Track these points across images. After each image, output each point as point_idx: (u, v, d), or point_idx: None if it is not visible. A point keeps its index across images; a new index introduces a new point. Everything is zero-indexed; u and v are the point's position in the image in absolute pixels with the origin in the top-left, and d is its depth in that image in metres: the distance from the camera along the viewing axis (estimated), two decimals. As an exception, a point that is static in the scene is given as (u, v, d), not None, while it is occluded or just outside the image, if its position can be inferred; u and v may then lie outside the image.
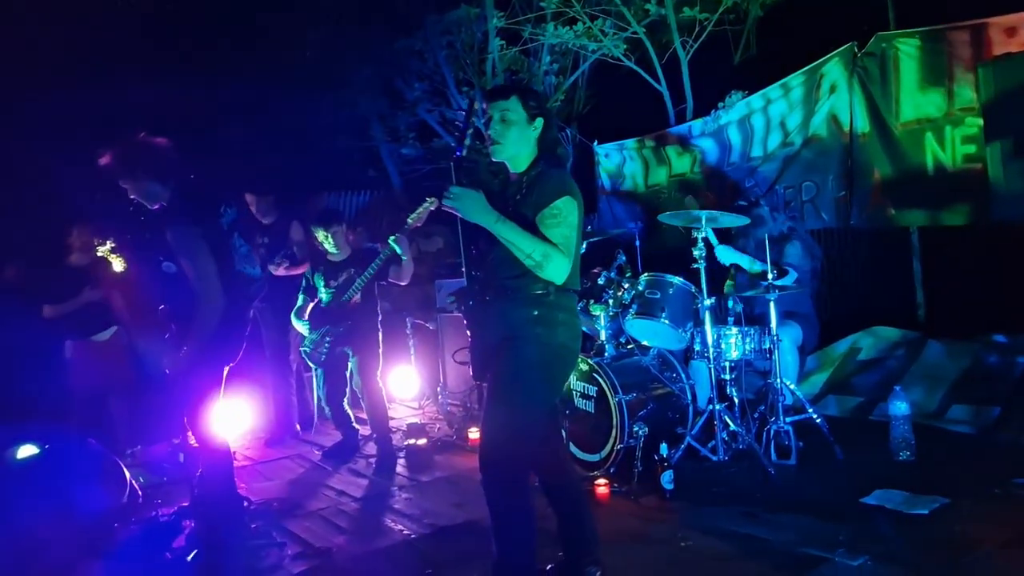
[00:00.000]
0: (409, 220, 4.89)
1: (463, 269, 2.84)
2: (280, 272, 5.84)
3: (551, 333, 2.68)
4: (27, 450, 4.60)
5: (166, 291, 3.69)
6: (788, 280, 4.77)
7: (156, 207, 3.68)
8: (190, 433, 3.74)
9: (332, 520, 4.26)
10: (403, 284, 5.27)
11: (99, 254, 6.04)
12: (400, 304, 7.23)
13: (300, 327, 5.41)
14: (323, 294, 5.30)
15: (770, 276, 4.46)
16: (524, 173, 2.80)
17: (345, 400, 5.44)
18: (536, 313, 2.67)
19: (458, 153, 2.75)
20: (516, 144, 2.77)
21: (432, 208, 4.78)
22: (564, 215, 2.65)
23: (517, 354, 2.67)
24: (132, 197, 3.70)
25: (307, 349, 5.38)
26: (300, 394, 6.42)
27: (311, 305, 5.37)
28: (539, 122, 2.78)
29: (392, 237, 4.94)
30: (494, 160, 2.84)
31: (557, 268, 2.62)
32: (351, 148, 11.51)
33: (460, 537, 3.81)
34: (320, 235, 5.26)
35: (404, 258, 5.02)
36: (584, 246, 5.13)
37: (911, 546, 3.21)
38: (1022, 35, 4.76)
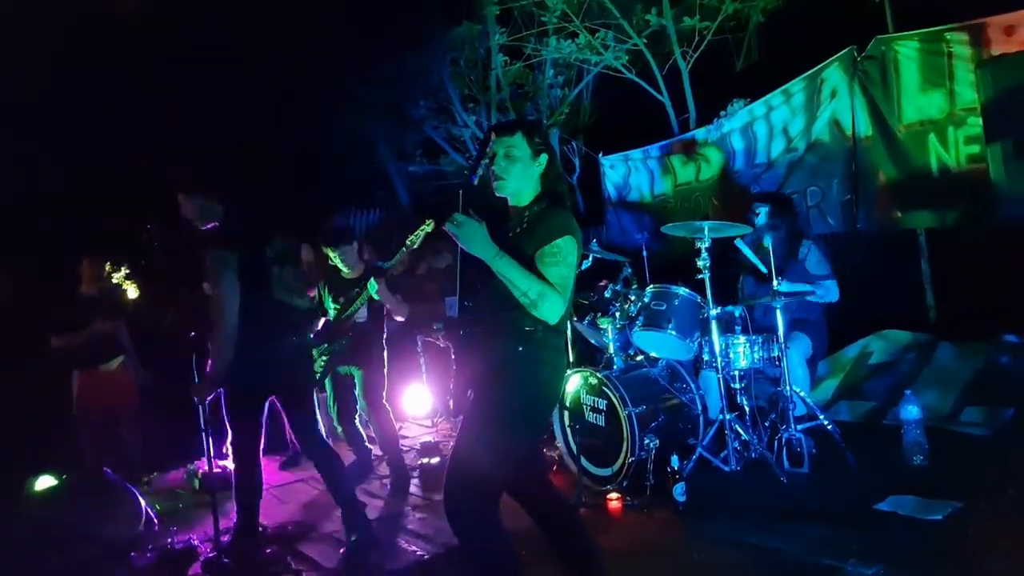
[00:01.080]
0: (408, 242, 4.90)
1: (457, 297, 2.83)
2: None
3: (534, 371, 2.66)
4: (45, 481, 4.66)
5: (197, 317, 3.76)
6: (832, 292, 4.78)
7: (207, 227, 3.75)
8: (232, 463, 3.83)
9: (344, 541, 4.26)
10: (399, 320, 5.26)
11: (114, 281, 6.09)
12: (410, 322, 7.25)
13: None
14: (330, 310, 5.31)
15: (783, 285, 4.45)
16: (526, 208, 2.79)
17: (356, 419, 5.44)
18: (521, 349, 2.64)
19: (472, 180, 2.75)
20: (519, 180, 2.77)
21: (429, 230, 4.78)
22: (564, 255, 2.63)
23: (498, 389, 2.65)
24: (184, 215, 3.79)
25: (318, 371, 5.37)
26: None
27: (322, 321, 5.38)
28: (543, 158, 2.79)
29: (371, 279, 4.93)
30: (497, 195, 2.82)
31: (552, 308, 2.59)
32: (359, 167, 11.59)
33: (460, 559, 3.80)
34: (331, 254, 5.28)
35: (376, 298, 5.00)
36: (590, 259, 5.17)
37: (925, 553, 3.18)
38: (1020, 34, 4.76)
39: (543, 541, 2.84)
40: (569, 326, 5.31)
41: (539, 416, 2.75)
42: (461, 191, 2.70)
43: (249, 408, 3.80)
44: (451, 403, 6.77)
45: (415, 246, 4.87)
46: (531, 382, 2.66)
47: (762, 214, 4.93)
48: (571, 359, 5.26)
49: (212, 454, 4.18)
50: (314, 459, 4.21)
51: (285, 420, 6.19)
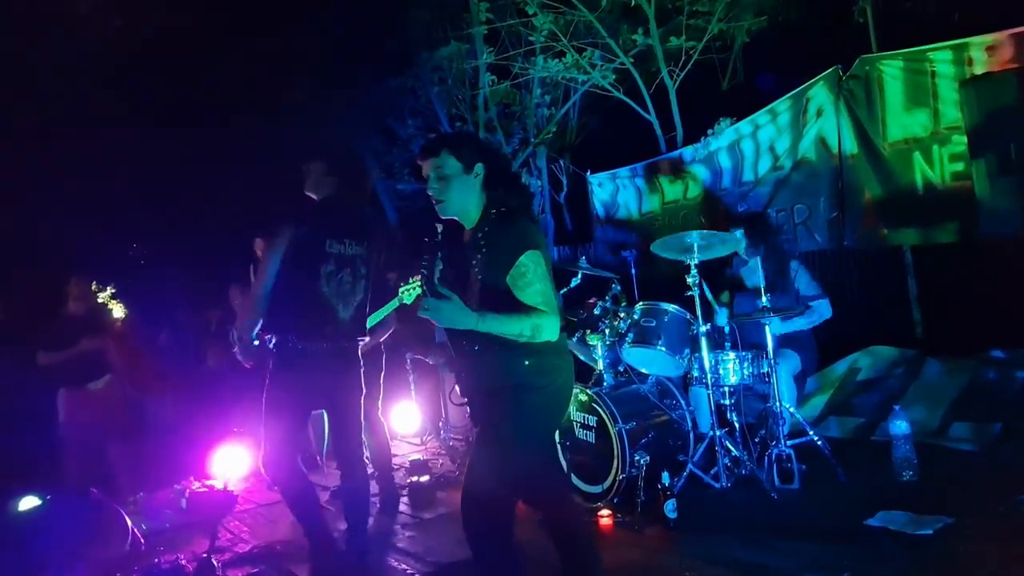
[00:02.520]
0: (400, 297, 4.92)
1: None
2: None
3: (548, 380, 2.63)
4: (29, 502, 4.60)
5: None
6: (826, 311, 4.82)
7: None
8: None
9: (336, 561, 4.22)
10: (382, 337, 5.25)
11: (99, 300, 6.05)
12: (399, 340, 7.23)
13: None
14: None
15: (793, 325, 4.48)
16: (476, 229, 2.71)
17: None
18: (528, 363, 2.59)
19: (438, 239, 2.63)
20: (460, 198, 2.69)
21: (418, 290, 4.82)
22: (531, 270, 2.55)
23: (515, 403, 2.61)
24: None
25: None
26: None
27: None
28: (479, 168, 2.68)
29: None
30: (443, 218, 2.72)
31: (549, 330, 2.57)
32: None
33: (463, 574, 3.78)
34: None
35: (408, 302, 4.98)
36: (579, 277, 5.18)
37: (916, 568, 3.19)
38: (1002, 54, 4.84)
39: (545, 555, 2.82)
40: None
41: (550, 428, 2.75)
42: (425, 256, 2.58)
43: (282, 406, 3.62)
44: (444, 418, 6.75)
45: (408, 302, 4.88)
46: (545, 390, 2.63)
47: (739, 236, 4.97)
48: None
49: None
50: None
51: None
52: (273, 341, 3.62)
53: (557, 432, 2.80)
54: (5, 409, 5.83)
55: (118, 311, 6.90)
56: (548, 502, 2.85)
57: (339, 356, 3.74)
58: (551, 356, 2.64)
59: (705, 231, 4.51)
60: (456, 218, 2.75)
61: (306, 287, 3.61)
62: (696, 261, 4.51)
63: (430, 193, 2.70)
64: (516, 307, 2.56)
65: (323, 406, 3.89)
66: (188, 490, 5.60)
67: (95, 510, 4.51)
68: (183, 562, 4.35)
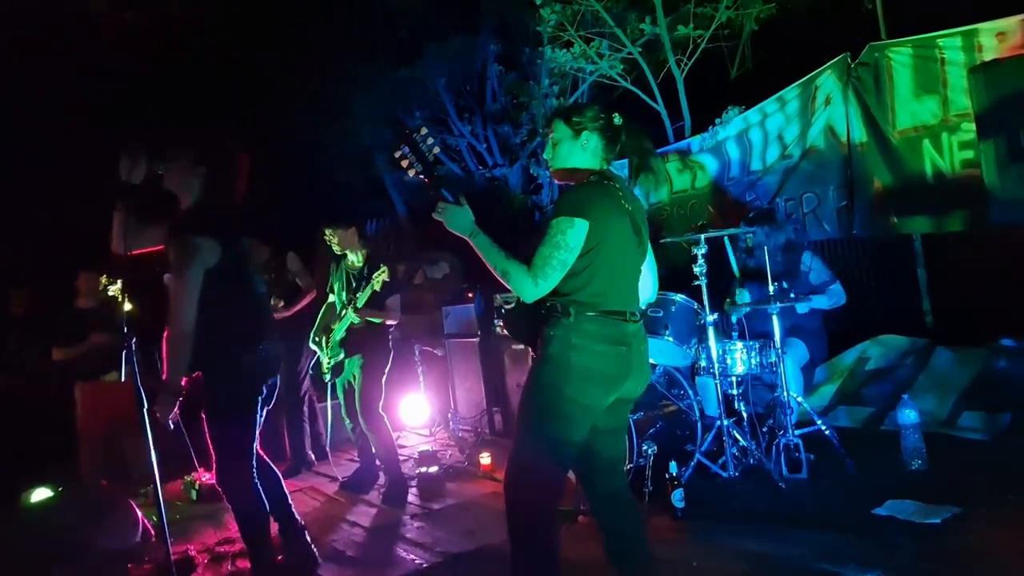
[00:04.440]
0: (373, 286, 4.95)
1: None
2: (278, 315, 5.80)
3: (564, 355, 2.58)
4: (41, 493, 4.64)
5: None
6: (842, 296, 4.81)
7: (184, 207, 3.42)
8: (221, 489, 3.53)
9: (345, 552, 4.26)
10: (391, 324, 5.26)
11: (110, 294, 6.11)
12: (408, 331, 7.26)
13: (317, 349, 5.40)
14: (336, 299, 5.28)
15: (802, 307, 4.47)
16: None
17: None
18: (553, 333, 2.60)
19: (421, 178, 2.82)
20: (564, 161, 2.79)
21: (386, 278, 4.88)
22: (552, 234, 2.57)
23: (536, 375, 2.64)
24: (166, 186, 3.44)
25: (326, 372, 5.31)
26: (313, 426, 6.43)
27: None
28: (585, 136, 2.75)
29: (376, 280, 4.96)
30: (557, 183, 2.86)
31: (517, 286, 2.58)
32: (355, 178, 11.61)
33: (473, 565, 3.80)
34: (328, 235, 5.27)
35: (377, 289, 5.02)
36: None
37: (924, 557, 3.18)
38: (1012, 39, 4.79)
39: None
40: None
41: (576, 405, 2.59)
42: (431, 184, 2.77)
43: (235, 418, 3.43)
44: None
45: (377, 289, 4.94)
46: (562, 367, 2.58)
47: (759, 233, 4.95)
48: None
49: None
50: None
51: (284, 427, 6.23)
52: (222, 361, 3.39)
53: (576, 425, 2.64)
54: (22, 402, 5.90)
55: (127, 305, 6.89)
56: (527, 485, 2.71)
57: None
58: (573, 332, 2.59)
59: (714, 232, 4.54)
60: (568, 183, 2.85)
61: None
62: (703, 251, 4.50)
63: (544, 157, 2.85)
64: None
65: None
66: (198, 482, 5.63)
67: (106, 502, 4.55)
68: (193, 553, 4.38)
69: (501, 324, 6.05)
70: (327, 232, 5.24)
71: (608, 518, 2.82)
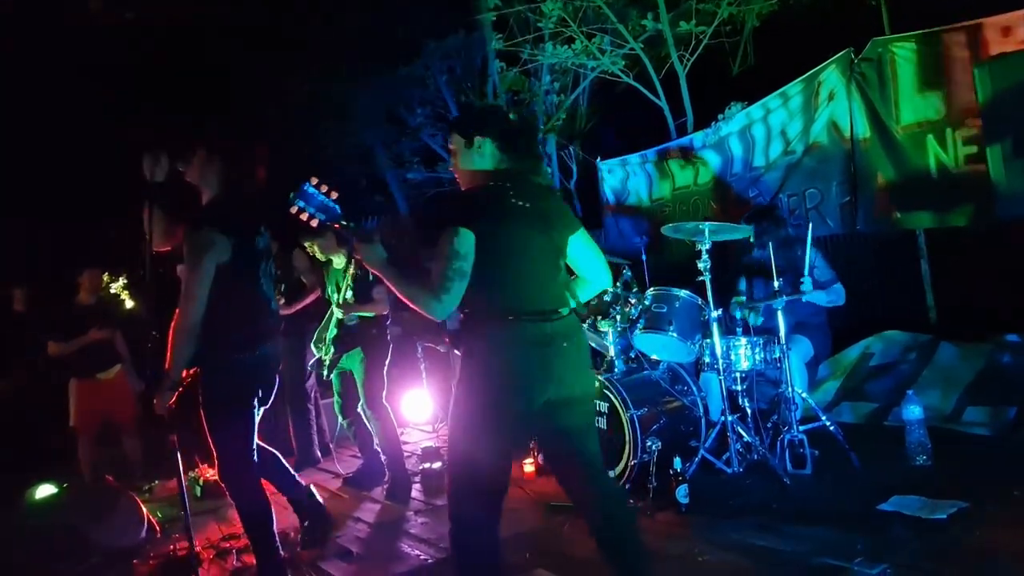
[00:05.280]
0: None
1: None
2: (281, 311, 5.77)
3: (480, 364, 2.58)
4: (45, 489, 4.64)
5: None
6: (841, 296, 4.80)
7: (205, 201, 3.48)
8: (224, 486, 3.55)
9: (349, 547, 4.26)
10: (383, 313, 5.24)
11: (112, 291, 6.11)
12: (410, 328, 7.26)
13: (317, 352, 5.40)
14: (333, 298, 5.27)
15: (807, 283, 4.45)
16: None
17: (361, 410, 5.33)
18: (466, 344, 2.64)
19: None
20: (461, 169, 2.79)
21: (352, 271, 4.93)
22: (439, 249, 2.53)
23: (458, 387, 2.64)
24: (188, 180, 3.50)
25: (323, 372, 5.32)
26: (317, 422, 6.44)
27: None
28: (478, 141, 2.72)
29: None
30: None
31: (425, 305, 2.53)
32: (357, 176, 11.60)
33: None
34: (307, 246, 5.29)
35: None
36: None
37: (930, 553, 3.17)
38: (1017, 34, 4.78)
39: (548, 543, 2.80)
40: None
41: (497, 413, 2.55)
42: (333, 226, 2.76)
43: (229, 416, 3.46)
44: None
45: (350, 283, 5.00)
46: (479, 378, 2.58)
47: (757, 230, 4.95)
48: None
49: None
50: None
51: (290, 423, 6.24)
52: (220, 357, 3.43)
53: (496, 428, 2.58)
54: (19, 399, 5.90)
55: (129, 302, 6.91)
56: (568, 486, 2.80)
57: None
58: (478, 339, 2.60)
59: (716, 223, 4.51)
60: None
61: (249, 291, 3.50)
62: (707, 246, 4.49)
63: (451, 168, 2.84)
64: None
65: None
66: (203, 478, 5.64)
67: (110, 498, 4.55)
68: (198, 549, 4.38)
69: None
70: (306, 243, 5.27)
71: (601, 527, 2.75)
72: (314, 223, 2.68)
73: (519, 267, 2.62)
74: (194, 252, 3.27)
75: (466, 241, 2.51)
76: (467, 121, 2.80)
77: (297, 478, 4.04)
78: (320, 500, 4.17)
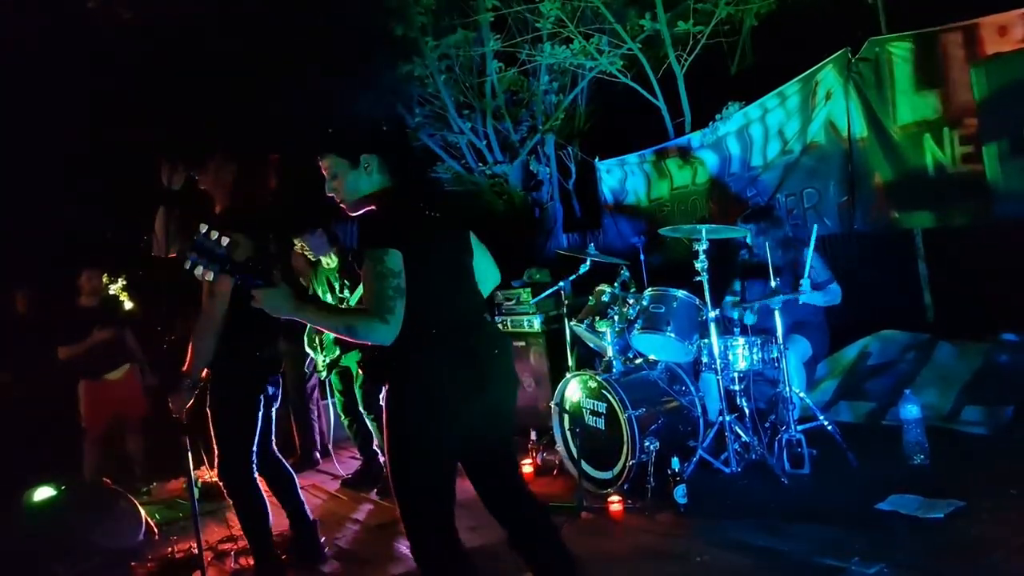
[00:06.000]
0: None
1: None
2: None
3: (411, 390, 2.46)
4: (44, 491, 4.64)
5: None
6: (838, 296, 4.79)
7: (219, 208, 3.55)
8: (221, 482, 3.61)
9: (348, 549, 4.27)
10: None
11: (111, 292, 6.12)
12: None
13: (312, 353, 5.40)
14: (326, 299, 5.26)
15: (806, 283, 4.45)
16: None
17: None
18: (395, 367, 2.47)
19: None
20: (353, 193, 2.61)
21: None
22: (372, 267, 2.38)
23: (386, 419, 2.50)
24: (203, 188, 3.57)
25: (322, 371, 5.33)
26: (318, 423, 6.45)
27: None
28: (365, 158, 2.58)
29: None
30: (352, 216, 2.65)
31: (369, 334, 2.36)
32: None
33: (474, 561, 3.79)
34: (297, 246, 5.27)
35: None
36: (588, 263, 5.19)
37: (927, 552, 3.18)
38: (1014, 34, 4.78)
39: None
40: (569, 330, 5.32)
41: (426, 439, 2.46)
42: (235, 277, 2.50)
43: (235, 415, 3.54)
44: None
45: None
46: (409, 404, 2.46)
47: (751, 233, 4.95)
48: (571, 363, 5.26)
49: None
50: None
51: (293, 422, 6.26)
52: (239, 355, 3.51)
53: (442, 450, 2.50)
54: (26, 401, 5.91)
55: (128, 303, 6.92)
56: (494, 507, 2.73)
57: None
58: (403, 380, 2.47)
59: (712, 226, 4.52)
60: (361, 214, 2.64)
61: None
62: (705, 246, 4.50)
63: (331, 195, 2.65)
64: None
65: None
66: (200, 480, 5.64)
67: (109, 500, 4.56)
68: (196, 551, 4.38)
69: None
70: (296, 243, 5.25)
71: (528, 550, 2.70)
72: (208, 277, 2.42)
73: (445, 281, 2.55)
74: None
75: (396, 258, 2.37)
76: (351, 139, 2.63)
77: (305, 508, 3.97)
78: (320, 538, 4.04)
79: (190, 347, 3.33)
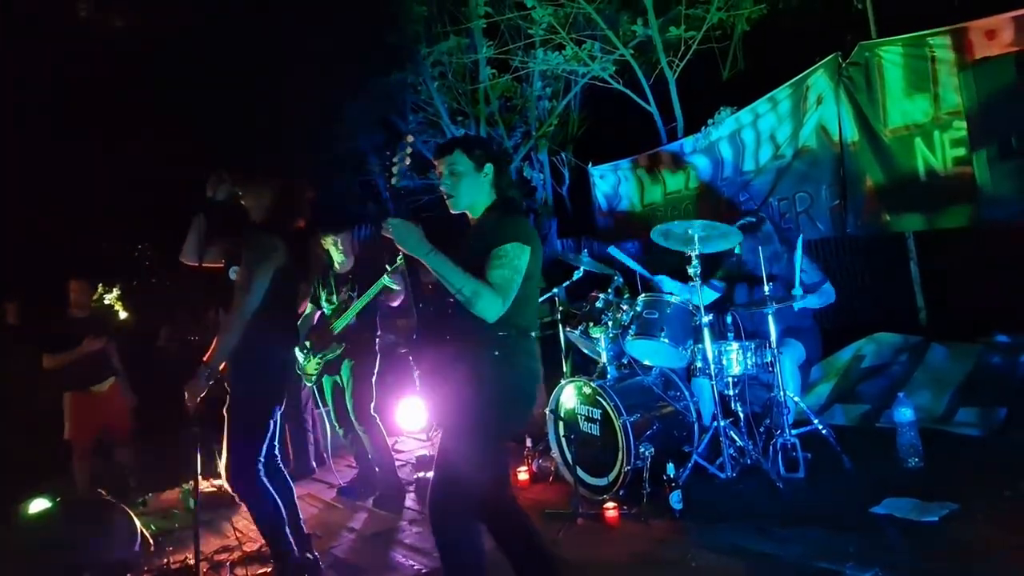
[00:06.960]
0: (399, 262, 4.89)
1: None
2: None
3: (509, 375, 2.73)
4: (39, 504, 4.63)
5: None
6: (831, 294, 4.80)
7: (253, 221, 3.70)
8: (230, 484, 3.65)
9: (344, 558, 4.26)
10: (394, 305, 5.21)
11: (106, 302, 6.11)
12: (405, 337, 7.25)
13: (301, 357, 5.37)
14: (325, 306, 5.24)
15: (798, 290, 4.46)
16: (481, 218, 2.90)
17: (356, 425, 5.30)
18: (497, 354, 2.70)
19: (393, 183, 2.91)
20: (469, 194, 2.88)
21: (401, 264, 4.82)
22: (510, 258, 2.69)
23: (475, 395, 2.69)
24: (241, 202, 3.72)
25: (311, 376, 5.29)
26: (313, 432, 6.43)
27: (317, 314, 5.30)
28: (488, 167, 2.88)
29: (388, 274, 4.86)
30: (454, 212, 2.94)
31: (487, 306, 2.64)
32: (349, 182, 11.59)
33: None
34: (328, 242, 5.21)
35: (396, 288, 4.98)
36: (581, 270, 5.20)
37: (922, 555, 3.19)
38: (1002, 38, 4.81)
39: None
40: (563, 336, 5.33)
41: (511, 423, 2.82)
42: (388, 193, 2.85)
43: (259, 413, 3.64)
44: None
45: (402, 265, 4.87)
46: (506, 386, 2.72)
47: (745, 244, 4.97)
48: (566, 370, 5.27)
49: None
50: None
51: (287, 433, 6.23)
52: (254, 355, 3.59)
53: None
54: (16, 412, 5.89)
55: (123, 313, 6.90)
56: (494, 504, 2.81)
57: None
58: (517, 354, 2.76)
59: (706, 222, 4.51)
60: (466, 212, 2.94)
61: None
62: (697, 252, 4.51)
63: (442, 188, 2.89)
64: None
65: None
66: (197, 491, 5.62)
67: (103, 512, 4.54)
68: (191, 563, 4.37)
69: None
70: (327, 240, 5.19)
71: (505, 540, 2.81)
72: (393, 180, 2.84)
73: (535, 289, 2.88)
74: (259, 251, 3.52)
75: (527, 260, 2.72)
76: (479, 145, 2.92)
77: (301, 522, 3.94)
78: (315, 552, 3.98)
79: (216, 339, 3.46)
